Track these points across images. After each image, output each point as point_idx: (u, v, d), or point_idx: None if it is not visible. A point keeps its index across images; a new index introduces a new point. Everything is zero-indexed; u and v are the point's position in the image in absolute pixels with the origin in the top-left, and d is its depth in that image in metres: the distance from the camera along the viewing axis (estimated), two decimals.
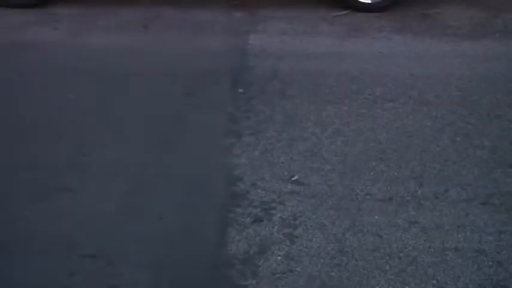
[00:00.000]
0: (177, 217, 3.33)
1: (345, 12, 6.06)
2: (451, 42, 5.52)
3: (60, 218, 3.33)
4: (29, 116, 4.32)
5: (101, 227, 3.25)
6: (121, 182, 3.61)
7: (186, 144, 4.00)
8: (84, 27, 5.74)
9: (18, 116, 4.35)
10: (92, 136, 4.08)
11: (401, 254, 3.05)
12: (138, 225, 3.27)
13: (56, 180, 3.62)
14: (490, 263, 2.99)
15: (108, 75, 4.93)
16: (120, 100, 4.55)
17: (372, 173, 3.69)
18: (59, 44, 5.50)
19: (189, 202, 3.45)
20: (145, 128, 4.17)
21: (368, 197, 3.48)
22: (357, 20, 5.95)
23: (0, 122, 4.28)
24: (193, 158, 3.84)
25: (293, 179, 3.64)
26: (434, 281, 2.88)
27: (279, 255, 3.05)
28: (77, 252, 3.07)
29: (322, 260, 3.01)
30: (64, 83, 4.78)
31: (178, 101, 4.52)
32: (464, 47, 5.44)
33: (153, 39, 5.59)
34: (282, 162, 3.78)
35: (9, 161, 3.82)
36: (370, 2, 6.07)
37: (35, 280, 2.91)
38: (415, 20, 5.99)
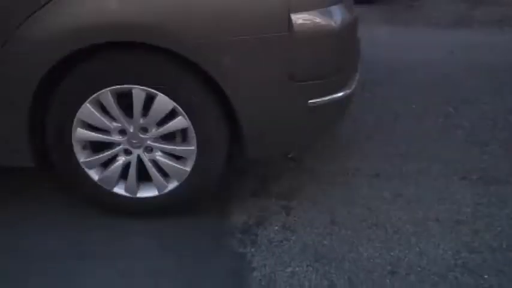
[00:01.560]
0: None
1: None
2: (434, 31, 5.52)
3: None
4: None
5: None
6: None
7: None
8: None
9: None
10: None
11: (387, 224, 3.06)
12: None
13: None
14: (467, 231, 3.00)
15: None
16: None
17: (360, 151, 3.70)
18: None
19: None
20: None
21: (357, 172, 3.49)
22: None
23: None
24: None
25: (289, 156, 3.65)
26: (417, 248, 2.89)
27: (276, 225, 3.05)
28: (89, 220, 3.07)
29: (316, 230, 3.02)
30: None
31: None
32: (445, 36, 5.45)
33: None
34: None
35: None
36: None
37: (48, 245, 2.92)
38: (402, 11, 6.00)
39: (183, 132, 2.86)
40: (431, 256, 2.83)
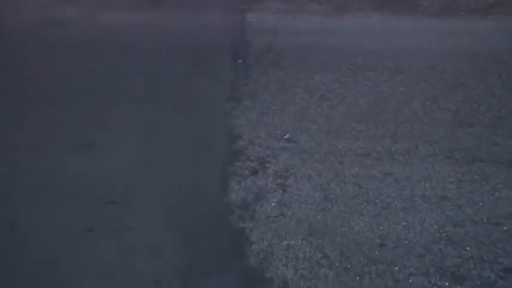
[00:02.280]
0: (185, 171, 3.34)
1: None
2: (422, 19, 5.49)
3: (85, 169, 3.35)
4: (58, 82, 4.32)
5: (120, 178, 3.27)
6: (137, 139, 3.62)
7: (194, 107, 3.99)
8: (104, 6, 5.68)
9: (48, 82, 4.35)
10: (111, 99, 4.07)
11: (377, 201, 3.08)
12: (152, 176, 3.29)
13: (82, 137, 3.64)
14: (451, 207, 3.03)
15: (125, 47, 4.91)
16: (135, 69, 4.54)
17: (352, 132, 3.70)
18: (82, 20, 5.48)
19: (195, 157, 3.46)
20: (158, 94, 4.17)
21: (349, 152, 3.51)
22: (341, 0, 5.90)
23: (33, 88, 4.28)
24: (200, 119, 3.84)
25: (285, 137, 3.66)
26: (405, 223, 2.92)
27: (273, 202, 3.07)
28: (98, 199, 3.10)
29: (310, 206, 3.04)
30: (87, 54, 4.77)
31: (187, 70, 4.51)
32: (433, 24, 5.42)
33: (163, 17, 5.56)
34: (276, 123, 3.79)
35: (43, 121, 3.84)
36: None
37: (64, 221, 2.95)
38: (391, 0, 5.95)
39: None
40: (417, 230, 2.87)
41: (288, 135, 3.67)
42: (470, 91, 4.22)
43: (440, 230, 2.86)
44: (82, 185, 3.20)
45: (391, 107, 4.01)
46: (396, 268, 2.65)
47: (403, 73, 4.48)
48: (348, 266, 2.66)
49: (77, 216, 2.97)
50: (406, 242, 2.79)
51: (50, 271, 2.65)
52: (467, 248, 2.75)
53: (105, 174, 3.30)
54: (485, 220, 2.93)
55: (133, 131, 3.72)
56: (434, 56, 4.75)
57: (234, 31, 5.25)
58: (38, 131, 3.73)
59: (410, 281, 2.57)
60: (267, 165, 3.38)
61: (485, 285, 2.55)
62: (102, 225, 2.91)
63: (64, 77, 4.42)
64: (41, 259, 2.71)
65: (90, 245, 2.79)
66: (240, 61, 4.66)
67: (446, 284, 2.56)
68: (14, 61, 4.74)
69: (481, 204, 3.05)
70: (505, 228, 2.88)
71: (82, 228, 2.89)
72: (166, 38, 5.09)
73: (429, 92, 4.20)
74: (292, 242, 2.80)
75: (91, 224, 2.92)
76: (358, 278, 2.59)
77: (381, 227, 2.89)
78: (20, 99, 4.13)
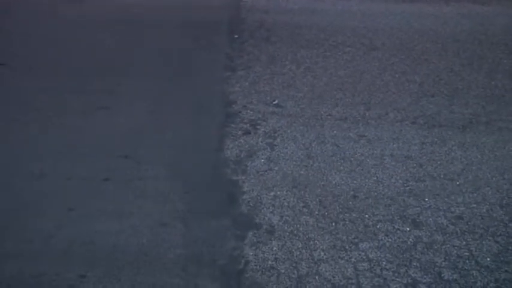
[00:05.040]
0: (187, 130, 3.33)
1: None
2: (394, 3, 5.45)
3: (102, 127, 3.34)
4: (77, 54, 4.27)
5: (132, 136, 3.26)
6: (146, 103, 3.60)
7: (194, 76, 3.98)
8: None
9: (70, 53, 4.29)
10: (123, 69, 4.04)
11: (352, 159, 3.09)
12: (159, 134, 3.28)
13: (99, 101, 3.61)
14: (415, 165, 3.04)
15: (136, 24, 4.84)
16: (144, 43, 4.50)
17: (332, 100, 3.70)
18: (99, 0, 5.39)
19: (196, 119, 3.45)
20: (164, 64, 4.14)
21: (329, 117, 3.50)
22: None
23: (56, 59, 4.23)
24: (200, 87, 3.83)
25: (274, 103, 3.65)
26: (375, 178, 2.93)
27: (262, 158, 3.07)
28: (113, 153, 3.10)
29: (294, 162, 3.04)
30: (104, 29, 4.70)
31: (188, 44, 4.47)
32: (403, 7, 5.38)
33: None
34: (266, 90, 3.78)
35: (63, 88, 3.80)
36: None
37: (84, 171, 2.94)
38: None
39: None
40: (385, 184, 2.88)
41: (276, 101, 3.66)
42: (433, 66, 4.22)
43: (405, 184, 2.88)
44: (99, 141, 3.18)
45: (366, 78, 4.00)
46: (366, 216, 2.67)
47: (377, 49, 4.46)
48: (326, 213, 2.68)
49: (95, 168, 2.96)
50: (375, 194, 2.81)
51: (72, 213, 2.66)
52: (426, 199, 2.77)
53: (119, 132, 3.28)
54: (442, 176, 2.95)
55: (143, 95, 3.69)
56: (404, 35, 4.72)
57: (231, 10, 5.19)
58: (62, 95, 3.69)
59: (378, 226, 2.60)
60: (258, 126, 3.37)
61: (439, 230, 2.58)
62: (116, 176, 2.90)
63: (83, 50, 4.36)
64: (64, 203, 2.71)
65: (106, 192, 2.79)
66: (235, 36, 4.61)
67: (408, 229, 2.59)
68: (41, 36, 4.66)
69: (439, 162, 3.07)
70: (457, 183, 2.90)
71: (99, 177, 2.89)
72: (171, 16, 5.02)
73: (399, 66, 4.19)
74: (278, 192, 2.80)
75: (107, 174, 2.91)
76: (334, 223, 2.61)
77: (355, 181, 2.90)
78: (46, 68, 4.08)
